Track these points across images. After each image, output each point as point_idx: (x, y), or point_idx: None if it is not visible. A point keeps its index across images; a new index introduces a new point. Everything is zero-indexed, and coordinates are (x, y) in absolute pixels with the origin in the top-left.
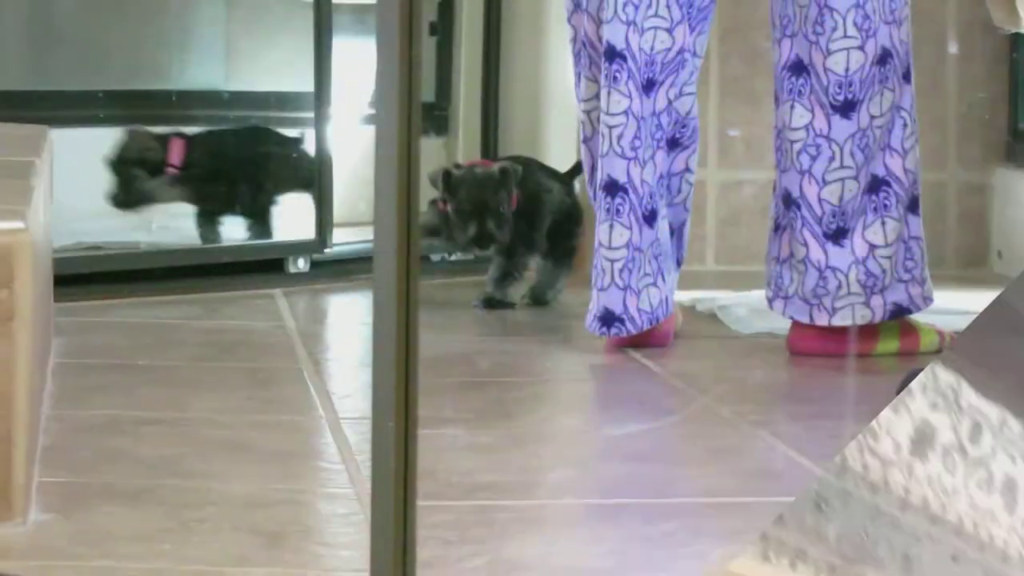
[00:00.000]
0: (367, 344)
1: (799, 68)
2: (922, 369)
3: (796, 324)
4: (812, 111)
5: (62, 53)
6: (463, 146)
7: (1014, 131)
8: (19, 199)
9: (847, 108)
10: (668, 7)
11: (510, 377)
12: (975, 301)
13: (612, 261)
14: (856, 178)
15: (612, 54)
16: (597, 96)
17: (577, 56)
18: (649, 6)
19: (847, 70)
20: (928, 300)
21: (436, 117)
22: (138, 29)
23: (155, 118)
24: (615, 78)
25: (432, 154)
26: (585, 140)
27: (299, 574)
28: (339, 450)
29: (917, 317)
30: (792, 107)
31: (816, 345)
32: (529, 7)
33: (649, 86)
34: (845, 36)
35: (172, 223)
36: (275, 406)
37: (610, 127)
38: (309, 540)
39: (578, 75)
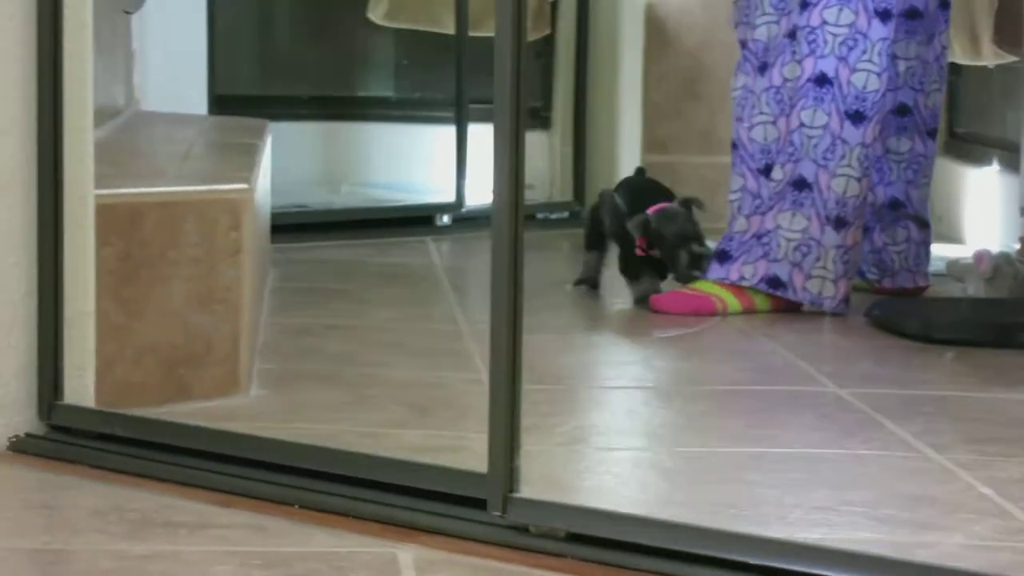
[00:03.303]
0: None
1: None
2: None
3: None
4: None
5: (277, 67)
6: (560, 137)
7: None
8: (246, 169)
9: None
10: None
11: (590, 300)
12: None
13: (789, 241)
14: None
15: None
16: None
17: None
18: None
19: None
20: None
21: (541, 117)
22: (331, 49)
23: (342, 115)
24: None
25: (536, 144)
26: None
27: (439, 434)
28: (470, 349)
29: None
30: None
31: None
32: (607, 38)
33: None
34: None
35: (355, 189)
36: (425, 317)
37: None
38: (448, 411)
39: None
